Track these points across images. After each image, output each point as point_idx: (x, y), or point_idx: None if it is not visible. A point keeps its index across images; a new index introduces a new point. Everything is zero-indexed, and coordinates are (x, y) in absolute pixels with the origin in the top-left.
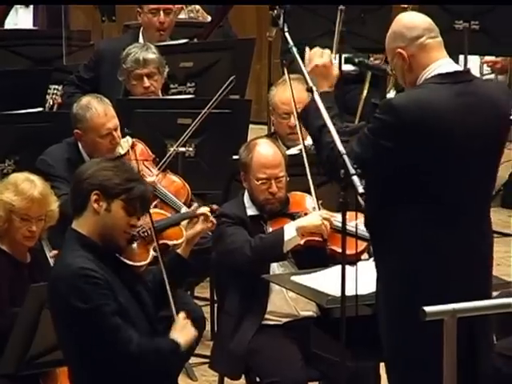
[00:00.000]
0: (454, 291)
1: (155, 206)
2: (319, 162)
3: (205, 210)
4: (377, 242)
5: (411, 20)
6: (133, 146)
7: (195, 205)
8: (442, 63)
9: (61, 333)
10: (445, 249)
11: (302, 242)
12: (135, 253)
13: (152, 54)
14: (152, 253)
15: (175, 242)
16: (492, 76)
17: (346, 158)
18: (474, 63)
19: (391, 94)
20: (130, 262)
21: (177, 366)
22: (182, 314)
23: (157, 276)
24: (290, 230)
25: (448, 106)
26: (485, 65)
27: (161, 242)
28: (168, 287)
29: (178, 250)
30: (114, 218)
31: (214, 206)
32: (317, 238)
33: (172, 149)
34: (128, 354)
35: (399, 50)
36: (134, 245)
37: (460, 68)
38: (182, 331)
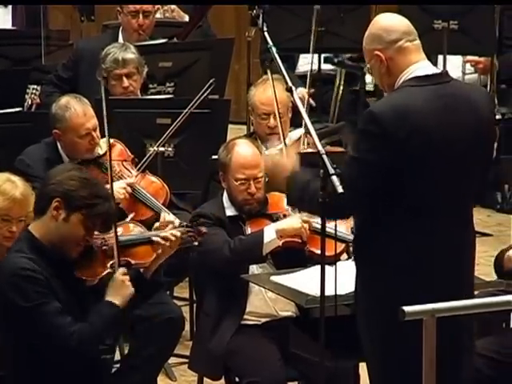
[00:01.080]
0: (435, 292)
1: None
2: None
3: (169, 233)
4: (359, 244)
5: (390, 23)
6: (112, 147)
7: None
8: (419, 66)
9: (4, 340)
10: (426, 250)
11: (280, 244)
12: (88, 266)
13: (131, 54)
14: (109, 269)
15: (140, 261)
16: (475, 75)
17: (325, 157)
18: (456, 62)
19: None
20: (78, 275)
21: (120, 325)
22: (120, 271)
23: None
24: (269, 233)
25: (427, 109)
26: (467, 64)
27: (123, 258)
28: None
29: (141, 270)
30: (69, 230)
31: (203, 229)
32: (296, 240)
33: (152, 149)
34: (71, 349)
35: (377, 52)
36: (94, 256)
37: (437, 70)
38: (120, 289)
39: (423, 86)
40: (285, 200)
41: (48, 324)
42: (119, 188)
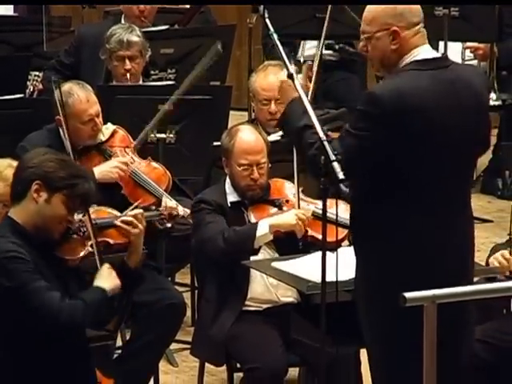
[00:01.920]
0: (435, 277)
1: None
2: (306, 162)
3: (135, 212)
4: (358, 229)
5: (413, 5)
6: (114, 133)
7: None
8: (421, 50)
9: None
10: (425, 233)
11: (272, 237)
12: (69, 247)
13: (136, 37)
14: (88, 249)
15: (117, 241)
16: (474, 62)
17: (326, 143)
18: (456, 49)
19: None
20: (60, 255)
21: (107, 310)
22: (106, 265)
23: None
24: (263, 227)
25: (427, 93)
26: (467, 50)
27: (101, 239)
28: None
29: (125, 258)
30: (52, 211)
31: (175, 212)
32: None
33: (153, 135)
34: (60, 325)
35: (395, 28)
36: (71, 238)
37: (438, 54)
38: (107, 278)
39: (424, 70)
40: (287, 186)
41: (38, 300)
42: (111, 168)
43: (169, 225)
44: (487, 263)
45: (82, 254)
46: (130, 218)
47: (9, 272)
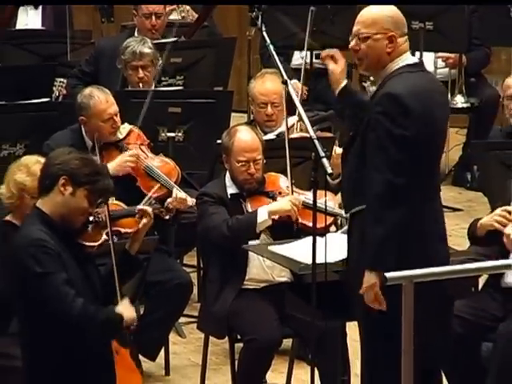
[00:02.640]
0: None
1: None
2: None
3: (146, 207)
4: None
5: (400, 13)
6: (130, 132)
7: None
8: (409, 56)
9: (15, 301)
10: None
11: (271, 222)
12: (88, 234)
13: (148, 49)
14: (104, 236)
15: (127, 230)
16: (446, 70)
17: (316, 141)
18: (429, 58)
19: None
20: (82, 241)
21: (115, 334)
22: (126, 300)
23: (109, 264)
24: (262, 214)
25: (428, 91)
26: (439, 59)
27: (114, 228)
28: (115, 271)
29: (127, 246)
30: (76, 203)
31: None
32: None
33: (163, 134)
34: (72, 317)
35: (393, 33)
36: (89, 228)
37: (416, 60)
38: (127, 309)
39: (416, 72)
40: (280, 179)
41: (55, 291)
42: (123, 162)
43: (167, 217)
44: (474, 232)
45: (100, 241)
46: (145, 209)
47: (36, 259)
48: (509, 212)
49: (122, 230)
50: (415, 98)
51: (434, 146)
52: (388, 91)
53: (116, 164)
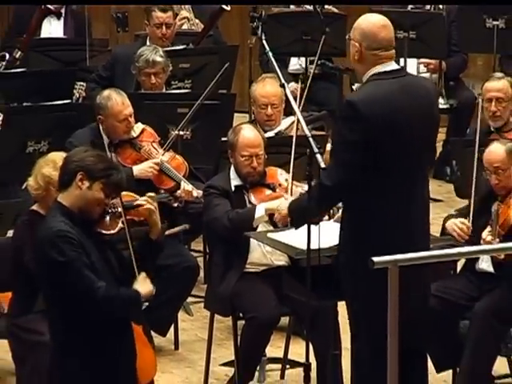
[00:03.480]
0: (399, 244)
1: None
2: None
3: (148, 195)
4: (346, 207)
5: (376, 30)
6: (143, 131)
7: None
8: (386, 65)
9: (42, 286)
10: (392, 207)
11: (267, 218)
12: (106, 224)
13: (159, 57)
14: (120, 225)
15: (140, 218)
16: (427, 74)
17: (310, 139)
18: (412, 64)
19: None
20: (100, 230)
21: (136, 311)
22: (142, 274)
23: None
24: (260, 210)
25: (391, 96)
26: (421, 65)
27: (129, 217)
28: (133, 256)
29: (148, 232)
30: (92, 196)
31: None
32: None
33: (173, 132)
34: (97, 300)
35: (356, 43)
36: (106, 218)
37: (397, 67)
38: (143, 285)
39: (387, 79)
40: (279, 173)
41: (78, 277)
42: (147, 167)
43: (175, 204)
44: (444, 227)
45: (116, 229)
46: (144, 200)
47: (60, 249)
48: (467, 226)
49: (136, 219)
50: (371, 104)
51: (396, 147)
52: (347, 98)
53: (141, 168)
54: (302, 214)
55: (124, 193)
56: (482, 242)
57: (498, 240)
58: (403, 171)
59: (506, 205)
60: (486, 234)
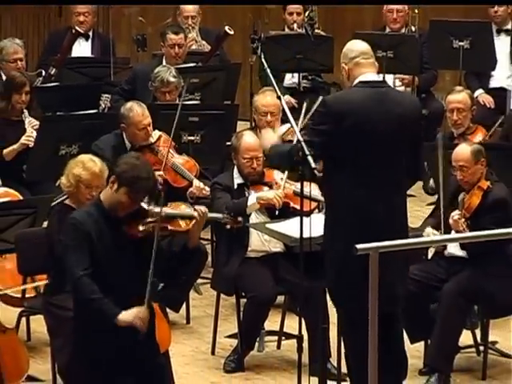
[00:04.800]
0: (375, 233)
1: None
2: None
3: (195, 213)
4: (325, 199)
5: (352, 45)
6: (160, 137)
7: (199, 207)
8: (366, 76)
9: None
10: (363, 201)
11: (259, 206)
12: (134, 224)
13: (172, 78)
14: (149, 229)
15: (175, 228)
16: (402, 88)
17: (303, 143)
18: (389, 79)
19: None
20: (125, 229)
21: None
22: (143, 309)
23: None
24: (251, 199)
25: (362, 102)
26: (397, 80)
27: (164, 224)
28: (152, 262)
29: (187, 243)
30: (117, 198)
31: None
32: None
33: (185, 138)
34: (72, 282)
35: (343, 64)
36: (140, 223)
37: (378, 78)
38: (129, 315)
39: (364, 87)
40: (275, 173)
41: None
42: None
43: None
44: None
45: (140, 230)
46: (195, 215)
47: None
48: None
49: (169, 227)
50: (340, 104)
51: (360, 142)
52: (323, 98)
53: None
54: (279, 155)
55: (175, 203)
56: (450, 220)
57: (463, 220)
58: (371, 167)
59: (470, 194)
60: (454, 213)
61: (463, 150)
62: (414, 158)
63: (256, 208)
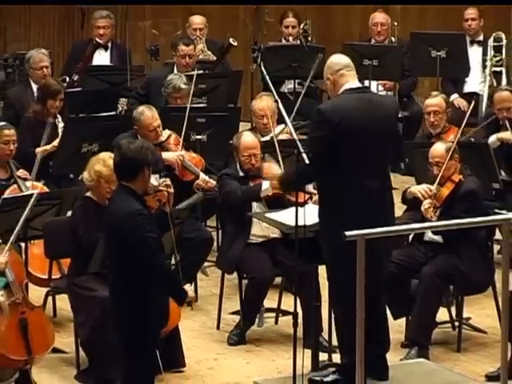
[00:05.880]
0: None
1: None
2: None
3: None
4: (320, 191)
5: (336, 59)
6: (169, 136)
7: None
8: (351, 84)
9: (116, 252)
10: (355, 194)
11: (271, 193)
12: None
13: (183, 85)
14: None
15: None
16: (384, 92)
17: (297, 142)
18: (373, 84)
19: None
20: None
21: (175, 296)
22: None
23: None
24: (265, 184)
25: (352, 106)
26: (379, 85)
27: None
28: (173, 234)
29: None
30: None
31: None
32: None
33: (193, 137)
34: (158, 267)
35: (328, 75)
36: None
37: (361, 85)
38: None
39: (351, 93)
40: (272, 167)
41: (150, 248)
42: (173, 156)
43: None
44: (404, 195)
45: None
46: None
47: (139, 223)
48: (430, 190)
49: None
50: (335, 112)
51: (353, 143)
52: (318, 107)
53: (169, 155)
54: (290, 183)
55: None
56: (422, 207)
57: (432, 208)
58: (362, 163)
59: (442, 186)
60: (425, 202)
61: (438, 148)
62: (394, 147)
63: (268, 192)
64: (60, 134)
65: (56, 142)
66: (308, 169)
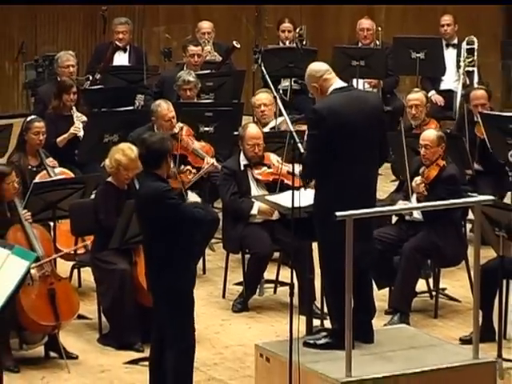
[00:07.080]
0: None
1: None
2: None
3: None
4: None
5: (316, 66)
6: (182, 128)
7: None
8: (336, 84)
9: (151, 225)
10: (348, 182)
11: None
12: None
13: (192, 78)
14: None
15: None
16: (370, 89)
17: (294, 133)
18: (361, 82)
19: None
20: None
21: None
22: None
23: None
24: (255, 207)
25: (342, 104)
26: (366, 83)
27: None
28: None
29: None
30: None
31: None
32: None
33: (201, 129)
34: (207, 220)
35: (313, 84)
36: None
37: (345, 84)
38: None
39: (339, 93)
40: (271, 156)
41: (191, 211)
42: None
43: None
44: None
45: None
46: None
47: (171, 198)
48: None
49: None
50: (328, 110)
51: (346, 135)
52: (313, 107)
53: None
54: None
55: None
56: (413, 183)
57: (423, 184)
58: (353, 154)
59: (429, 168)
60: (417, 178)
61: (430, 133)
62: (382, 141)
63: (255, 216)
64: (76, 123)
65: (72, 130)
66: (307, 161)
